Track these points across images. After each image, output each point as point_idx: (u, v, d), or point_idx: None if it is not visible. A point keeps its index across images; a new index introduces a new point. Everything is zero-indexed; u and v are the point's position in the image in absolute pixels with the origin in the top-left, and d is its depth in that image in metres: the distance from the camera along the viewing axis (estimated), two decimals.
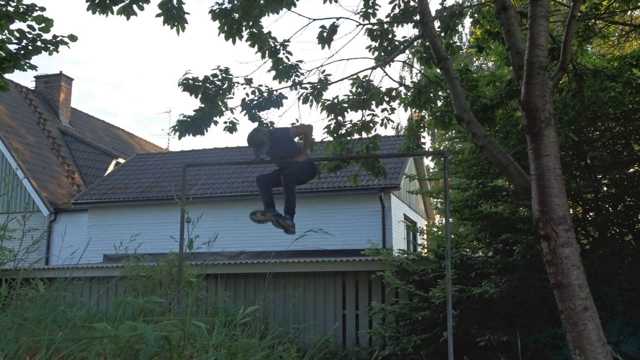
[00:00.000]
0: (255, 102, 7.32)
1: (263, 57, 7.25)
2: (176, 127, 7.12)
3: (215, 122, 7.29)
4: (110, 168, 19.48)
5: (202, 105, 7.11)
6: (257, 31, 7.04)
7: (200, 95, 7.07)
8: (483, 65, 21.55)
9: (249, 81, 7.28)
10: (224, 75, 7.18)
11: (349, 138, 8.12)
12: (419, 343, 8.05)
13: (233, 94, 7.29)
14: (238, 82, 7.26)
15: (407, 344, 8.14)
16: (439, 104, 8.06)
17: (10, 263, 3.65)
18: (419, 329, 8.33)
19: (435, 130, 18.40)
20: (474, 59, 21.55)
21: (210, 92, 7.08)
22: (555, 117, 4.76)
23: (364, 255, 9.84)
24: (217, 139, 70.30)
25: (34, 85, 21.88)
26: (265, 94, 7.33)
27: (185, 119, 7.11)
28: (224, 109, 7.28)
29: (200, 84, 7.06)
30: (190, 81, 7.04)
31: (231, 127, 7.47)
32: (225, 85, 7.19)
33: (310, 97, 7.59)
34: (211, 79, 7.15)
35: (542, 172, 4.60)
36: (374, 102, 7.99)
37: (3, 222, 3.65)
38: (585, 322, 4.29)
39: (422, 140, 8.60)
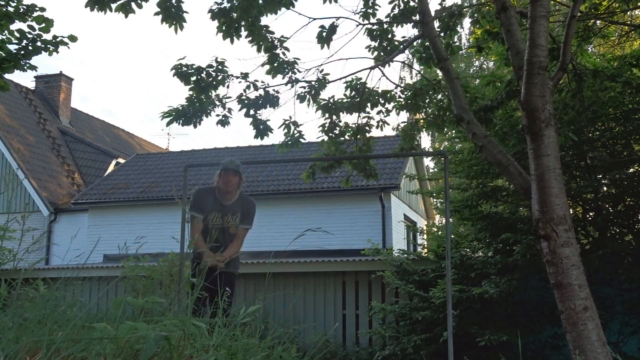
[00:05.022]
0: (253, 99, 7.30)
1: (259, 51, 7.16)
2: (166, 114, 7.00)
3: (207, 114, 7.20)
4: (110, 168, 19.49)
5: (191, 93, 7.03)
6: (255, 28, 7.00)
7: (191, 85, 7.02)
8: (483, 65, 21.55)
9: (245, 76, 7.26)
10: (219, 67, 7.14)
11: (343, 139, 8.08)
12: (419, 343, 8.04)
13: (227, 87, 7.24)
14: (232, 75, 7.22)
15: (407, 344, 8.14)
16: (437, 106, 8.04)
17: (10, 263, 3.65)
18: (419, 329, 8.32)
19: (435, 131, 18.40)
20: (474, 59, 21.55)
21: (202, 82, 7.02)
22: (555, 117, 4.75)
23: (364, 255, 9.84)
24: (217, 139, 70.39)
25: (34, 85, 21.89)
26: (260, 90, 7.31)
27: (177, 107, 7.06)
28: (217, 103, 7.24)
29: (193, 71, 7.00)
30: (183, 68, 6.98)
31: (224, 121, 7.44)
32: (220, 77, 7.16)
33: (308, 97, 7.57)
34: (206, 68, 7.12)
35: (542, 172, 4.60)
36: (369, 105, 7.96)
37: (3, 223, 3.65)
38: (585, 322, 4.29)
39: (417, 142, 8.57)
